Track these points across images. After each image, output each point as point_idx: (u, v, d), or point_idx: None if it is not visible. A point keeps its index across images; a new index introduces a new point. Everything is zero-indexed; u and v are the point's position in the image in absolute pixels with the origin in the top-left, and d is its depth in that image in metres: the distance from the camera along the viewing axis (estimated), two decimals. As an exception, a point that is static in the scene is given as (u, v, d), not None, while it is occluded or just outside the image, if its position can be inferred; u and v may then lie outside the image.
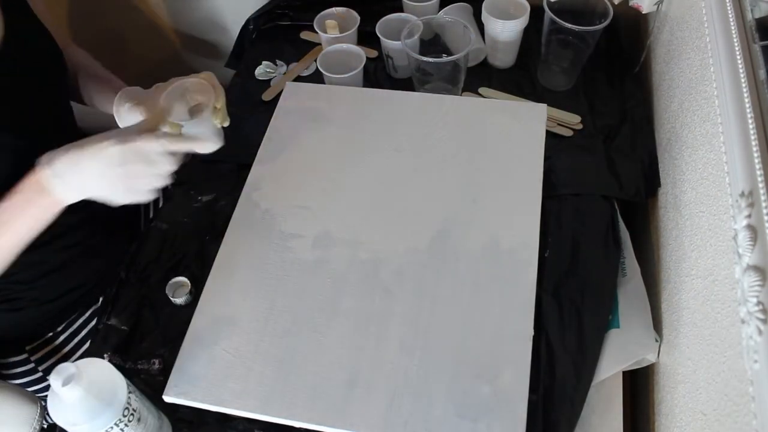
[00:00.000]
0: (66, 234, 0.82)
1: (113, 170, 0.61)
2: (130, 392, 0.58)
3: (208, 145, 0.67)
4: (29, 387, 0.86)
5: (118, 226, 0.92)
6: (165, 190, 1.04)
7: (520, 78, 0.99)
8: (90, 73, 0.85)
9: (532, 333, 0.67)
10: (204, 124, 0.68)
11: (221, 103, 0.69)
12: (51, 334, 0.87)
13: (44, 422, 0.75)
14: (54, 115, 0.78)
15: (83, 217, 0.84)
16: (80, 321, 0.88)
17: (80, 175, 0.62)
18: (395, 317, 0.69)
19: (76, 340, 0.87)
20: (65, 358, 0.87)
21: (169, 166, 0.63)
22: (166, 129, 0.64)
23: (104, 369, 0.58)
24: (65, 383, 0.52)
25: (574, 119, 0.90)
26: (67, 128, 0.83)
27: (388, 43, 0.94)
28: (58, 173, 0.61)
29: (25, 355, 0.85)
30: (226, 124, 0.70)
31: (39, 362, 0.86)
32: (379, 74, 1.02)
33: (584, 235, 0.78)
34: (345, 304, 0.71)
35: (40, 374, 0.86)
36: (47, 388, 0.86)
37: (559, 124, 0.90)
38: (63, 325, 0.87)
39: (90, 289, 0.88)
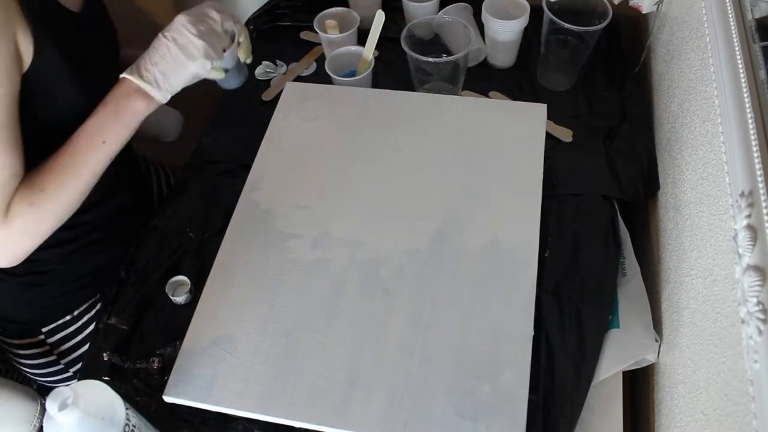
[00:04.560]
0: (96, 215, 0.83)
1: (188, 37, 0.69)
2: (126, 408, 0.58)
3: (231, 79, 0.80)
4: (43, 369, 0.86)
5: (135, 215, 0.93)
6: (167, 189, 1.05)
7: (520, 78, 0.99)
8: None
9: (532, 333, 0.67)
10: (230, 57, 0.77)
11: (243, 36, 0.77)
12: (69, 317, 0.87)
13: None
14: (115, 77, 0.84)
15: (110, 203, 0.85)
16: (98, 308, 0.88)
17: (166, 67, 0.69)
18: (395, 317, 0.69)
19: (91, 327, 0.87)
20: (81, 344, 0.87)
21: (228, 24, 0.74)
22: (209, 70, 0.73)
23: (99, 389, 0.57)
24: (62, 407, 0.51)
25: (566, 135, 0.90)
26: None
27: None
28: (148, 80, 0.69)
29: (41, 337, 0.85)
30: (249, 60, 0.81)
31: (54, 346, 0.86)
32: (379, 74, 1.02)
33: (584, 235, 0.78)
34: (345, 304, 0.71)
35: (54, 357, 0.86)
36: (60, 371, 0.87)
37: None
38: (81, 309, 0.87)
39: (110, 272, 0.88)
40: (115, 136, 0.69)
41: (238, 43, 0.77)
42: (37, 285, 0.83)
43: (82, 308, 0.88)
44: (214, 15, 0.72)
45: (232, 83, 0.82)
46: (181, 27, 0.69)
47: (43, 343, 0.86)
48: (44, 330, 0.86)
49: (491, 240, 0.74)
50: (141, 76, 0.68)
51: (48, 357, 0.86)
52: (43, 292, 0.84)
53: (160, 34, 0.70)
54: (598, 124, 0.91)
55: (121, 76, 0.69)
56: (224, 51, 0.75)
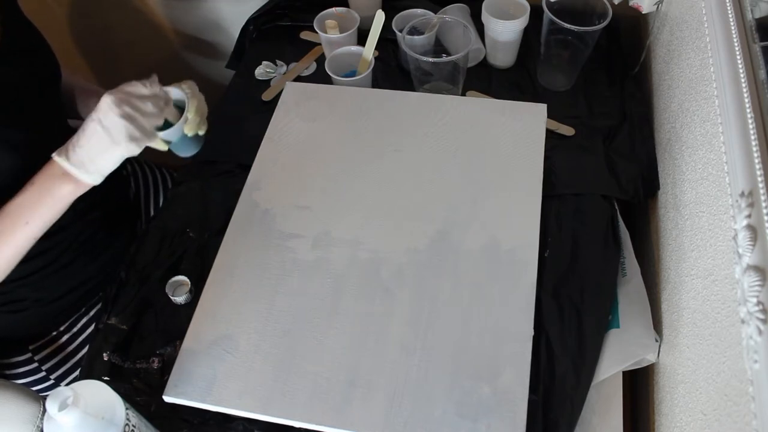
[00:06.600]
0: (67, 237, 0.83)
1: (113, 119, 0.64)
2: (127, 408, 0.58)
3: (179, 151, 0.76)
4: (32, 386, 0.86)
5: (119, 226, 0.93)
6: (165, 190, 1.05)
7: (520, 78, 0.99)
8: (86, 89, 0.88)
9: (532, 333, 0.67)
10: (174, 132, 0.73)
11: (193, 113, 0.73)
12: (54, 333, 0.87)
13: None
14: (47, 113, 0.79)
15: (84, 220, 0.84)
16: (84, 320, 0.88)
17: (92, 150, 0.65)
18: (395, 317, 0.69)
19: (80, 339, 0.88)
20: (69, 357, 0.87)
21: (160, 102, 0.68)
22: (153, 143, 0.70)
23: (99, 388, 0.57)
24: (62, 407, 0.51)
25: (568, 130, 0.90)
26: (61, 126, 0.84)
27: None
28: (75, 162, 0.65)
29: (28, 355, 0.85)
30: (201, 132, 0.76)
31: (42, 361, 0.86)
32: (378, 74, 1.02)
33: (584, 235, 0.78)
34: (345, 304, 0.71)
35: (43, 373, 0.86)
36: (51, 387, 0.87)
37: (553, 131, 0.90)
38: (66, 324, 0.88)
39: (92, 287, 0.88)
40: (38, 217, 0.67)
41: (186, 119, 0.73)
42: (17, 311, 0.83)
43: (66, 324, 0.88)
44: (142, 91, 0.67)
45: (184, 153, 0.78)
46: (107, 108, 0.64)
47: (30, 360, 0.86)
48: (31, 347, 0.86)
49: (491, 240, 0.74)
50: (68, 158, 0.65)
51: (37, 374, 0.86)
52: (26, 316, 0.84)
53: (90, 114, 0.66)
54: (598, 124, 0.91)
55: (53, 155, 0.66)
56: (171, 125, 0.72)
